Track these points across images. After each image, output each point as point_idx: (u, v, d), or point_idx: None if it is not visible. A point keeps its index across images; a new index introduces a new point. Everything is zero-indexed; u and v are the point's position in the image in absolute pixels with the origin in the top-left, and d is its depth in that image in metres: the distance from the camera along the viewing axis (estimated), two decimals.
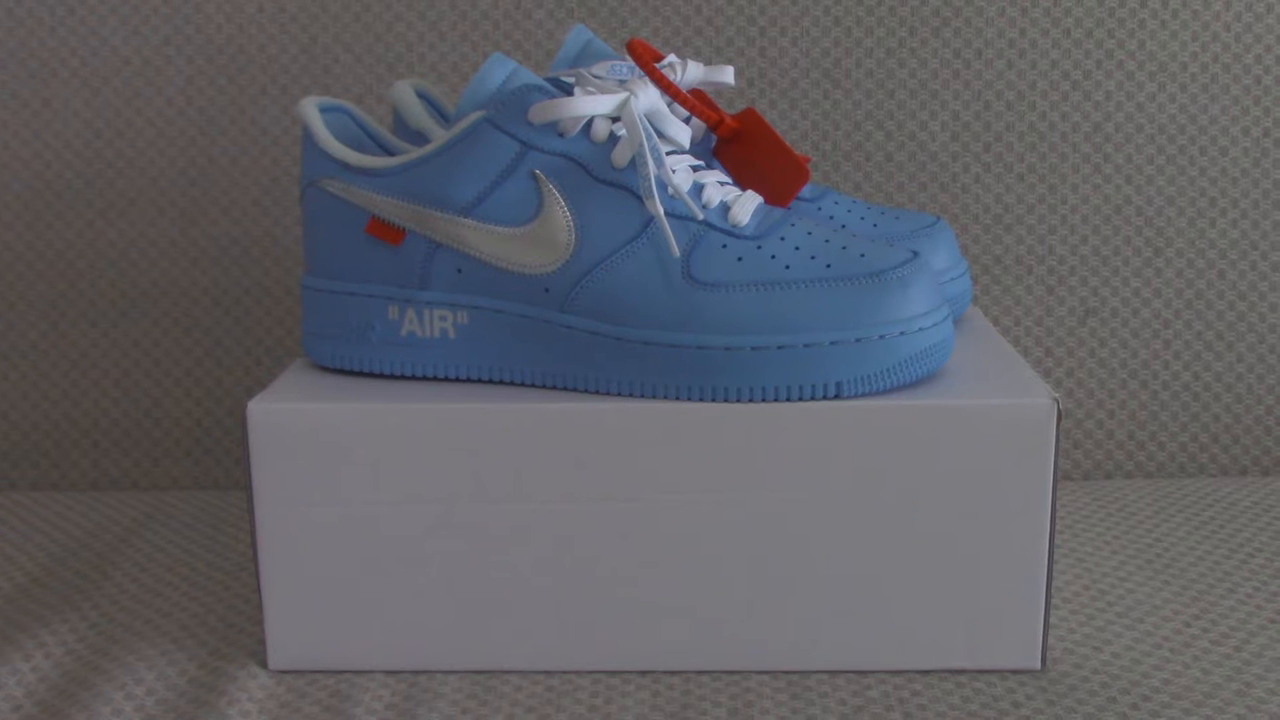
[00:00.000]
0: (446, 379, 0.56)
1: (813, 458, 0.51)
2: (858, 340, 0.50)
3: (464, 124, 0.53)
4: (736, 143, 0.61)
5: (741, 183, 0.60)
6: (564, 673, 0.54)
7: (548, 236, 0.53)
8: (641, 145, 0.51)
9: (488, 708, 0.52)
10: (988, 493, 0.51)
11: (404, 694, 0.53)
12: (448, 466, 0.52)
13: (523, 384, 0.55)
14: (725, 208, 0.54)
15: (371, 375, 0.57)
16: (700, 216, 0.53)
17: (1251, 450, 0.80)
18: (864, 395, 0.51)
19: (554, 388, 0.54)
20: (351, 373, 0.57)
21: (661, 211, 0.51)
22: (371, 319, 0.56)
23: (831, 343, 0.50)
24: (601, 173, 0.53)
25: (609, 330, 0.52)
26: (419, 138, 0.60)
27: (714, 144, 0.62)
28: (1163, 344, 0.79)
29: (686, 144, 0.55)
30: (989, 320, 0.72)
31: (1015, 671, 0.54)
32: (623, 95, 0.53)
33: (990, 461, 0.51)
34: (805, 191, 0.65)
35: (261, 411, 0.52)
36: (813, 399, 0.51)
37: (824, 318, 0.50)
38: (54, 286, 0.80)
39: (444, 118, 0.62)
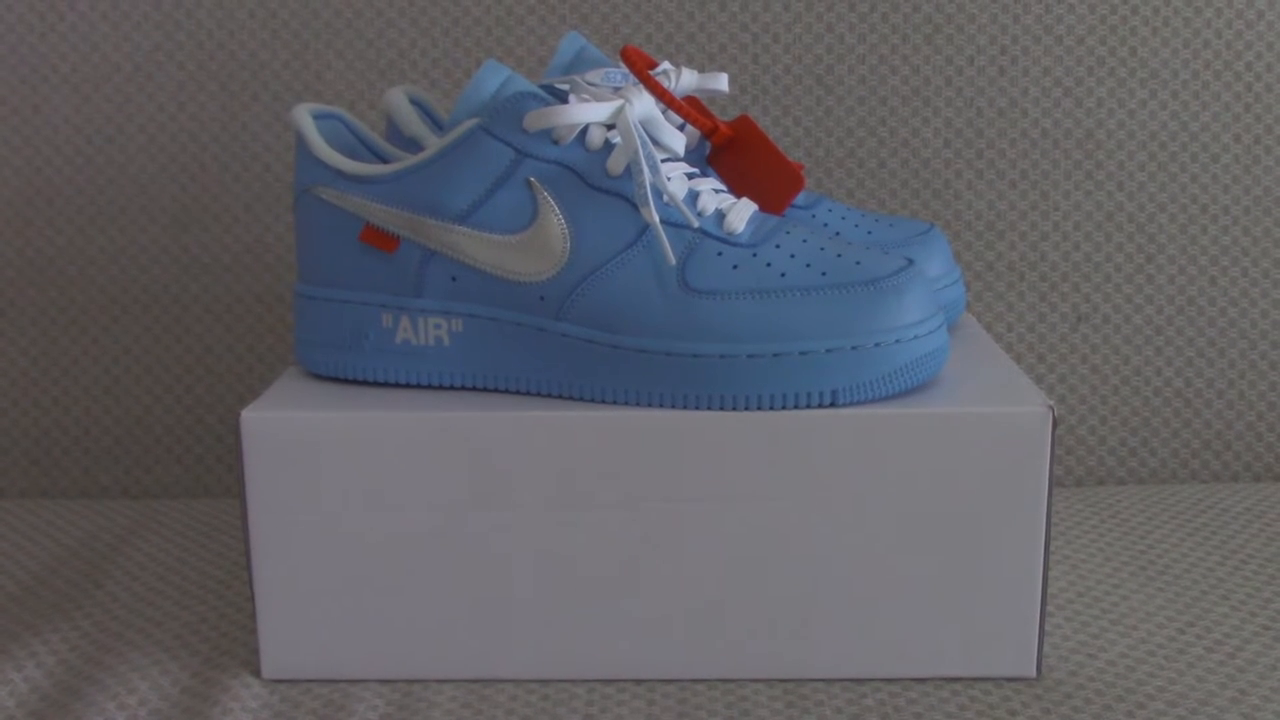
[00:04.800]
0: (441, 387, 0.55)
1: (809, 466, 0.51)
2: (853, 348, 0.51)
3: (458, 131, 0.53)
4: (731, 150, 0.61)
5: (736, 190, 0.60)
6: (559, 681, 0.54)
7: (542, 244, 0.53)
8: (636, 153, 0.51)
9: (482, 717, 0.52)
10: (983, 500, 0.51)
11: (398, 703, 0.53)
12: (442, 475, 0.52)
13: (517, 392, 0.54)
14: (720, 215, 0.54)
15: (365, 383, 0.56)
16: (695, 224, 0.53)
17: (1243, 456, 0.80)
18: (860, 403, 0.51)
19: (549, 396, 0.54)
20: (345, 381, 0.57)
21: (657, 219, 0.51)
22: (365, 327, 0.56)
23: (827, 351, 0.50)
24: (596, 180, 0.53)
25: (604, 338, 0.52)
26: (413, 145, 0.60)
27: (708, 151, 0.62)
28: (1155, 350, 0.79)
29: (681, 151, 0.55)
30: (982, 327, 0.73)
31: (1011, 679, 0.54)
32: (617, 103, 0.53)
33: (985, 469, 0.51)
34: (799, 199, 0.65)
35: (255, 420, 0.52)
36: (808, 407, 0.51)
37: (820, 326, 0.50)
38: (45, 293, 0.79)
39: (438, 125, 0.62)
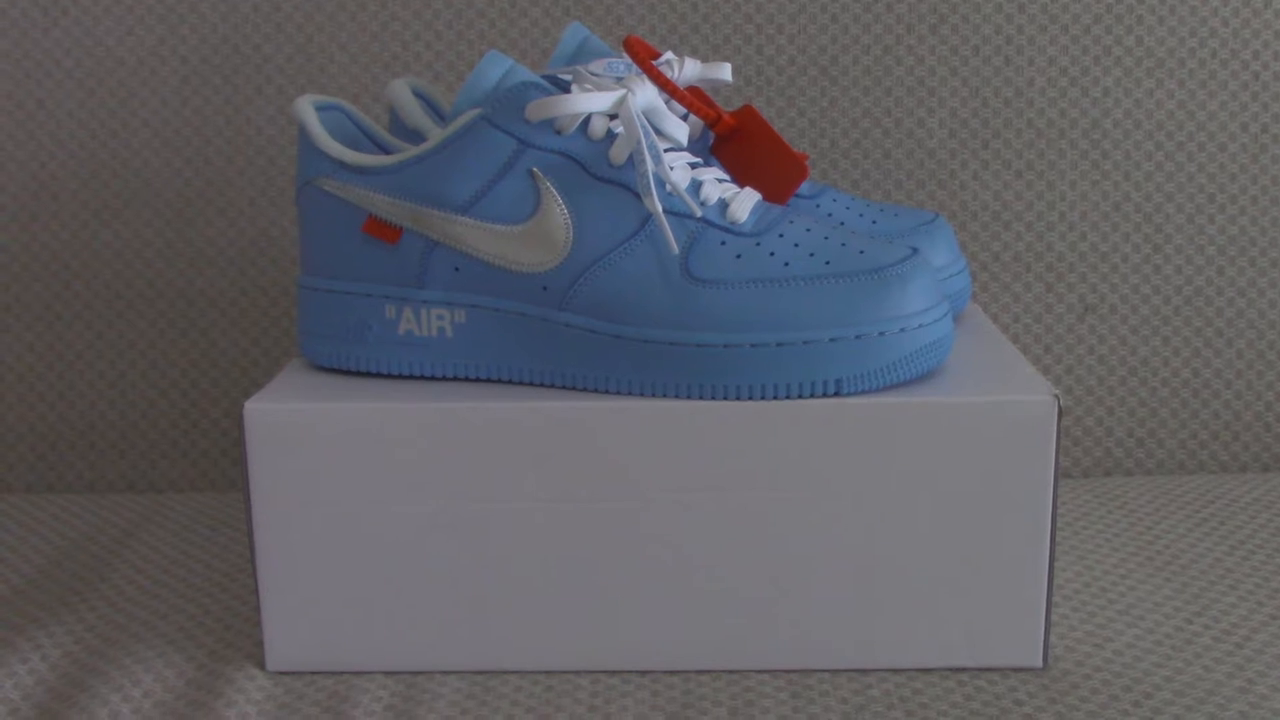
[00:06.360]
0: (444, 378, 0.55)
1: (812, 455, 0.51)
2: (857, 337, 0.50)
3: (460, 122, 0.53)
4: (734, 140, 0.61)
5: (740, 180, 0.60)
6: (563, 673, 0.54)
7: (545, 234, 0.53)
8: (639, 142, 0.51)
9: (487, 708, 0.52)
10: (988, 490, 0.51)
11: (403, 695, 0.53)
12: (445, 466, 0.52)
13: (521, 383, 0.54)
14: (724, 205, 0.53)
15: (369, 375, 0.56)
16: (698, 214, 0.52)
17: (1251, 446, 0.79)
18: (864, 393, 0.51)
19: (552, 386, 0.54)
20: (348, 372, 0.57)
21: (660, 209, 0.51)
22: (368, 318, 0.55)
23: (831, 340, 0.50)
24: (599, 170, 0.53)
25: (607, 328, 0.52)
26: (415, 136, 0.60)
27: (712, 141, 0.62)
28: (1162, 340, 0.78)
29: (684, 141, 0.55)
30: (988, 317, 0.72)
31: (1017, 669, 0.53)
32: (620, 92, 0.52)
33: (991, 458, 0.51)
34: (803, 189, 0.64)
35: (258, 412, 0.52)
36: (812, 396, 0.51)
37: (823, 315, 0.50)
38: (49, 288, 0.79)
39: (440, 116, 0.62)
